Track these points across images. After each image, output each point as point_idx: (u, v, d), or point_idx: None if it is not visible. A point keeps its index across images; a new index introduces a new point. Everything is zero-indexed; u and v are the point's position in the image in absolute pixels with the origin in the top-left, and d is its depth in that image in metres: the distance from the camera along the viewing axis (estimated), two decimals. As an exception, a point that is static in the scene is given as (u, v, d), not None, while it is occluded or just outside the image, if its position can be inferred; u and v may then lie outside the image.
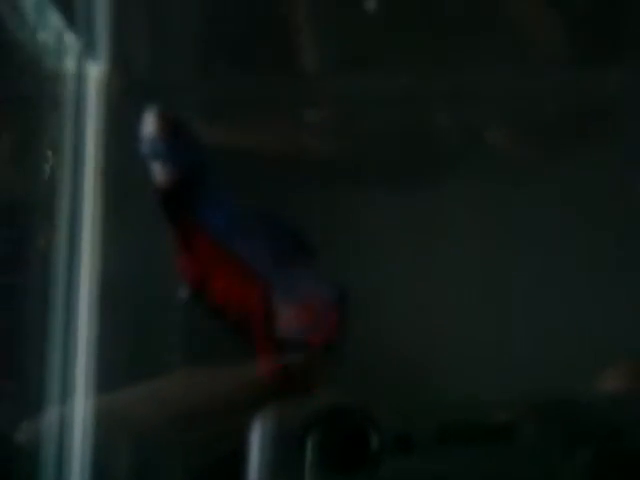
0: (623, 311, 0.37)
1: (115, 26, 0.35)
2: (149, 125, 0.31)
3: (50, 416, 0.34)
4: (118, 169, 0.36)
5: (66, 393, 0.34)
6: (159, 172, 0.31)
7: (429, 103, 0.40)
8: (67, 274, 0.35)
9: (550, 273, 0.38)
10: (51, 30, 0.35)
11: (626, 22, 0.41)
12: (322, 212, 0.38)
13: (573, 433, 0.32)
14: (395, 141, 0.40)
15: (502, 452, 0.31)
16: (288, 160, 0.39)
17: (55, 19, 0.35)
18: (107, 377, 0.35)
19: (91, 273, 0.35)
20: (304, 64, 0.40)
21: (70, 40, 0.36)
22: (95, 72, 0.36)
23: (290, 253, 0.33)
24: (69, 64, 0.36)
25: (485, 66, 0.40)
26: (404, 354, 0.37)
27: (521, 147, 0.41)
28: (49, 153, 0.34)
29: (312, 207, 0.38)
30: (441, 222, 0.39)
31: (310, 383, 0.34)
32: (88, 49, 0.36)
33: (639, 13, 0.40)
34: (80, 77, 0.35)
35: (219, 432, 0.33)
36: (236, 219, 0.33)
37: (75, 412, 0.34)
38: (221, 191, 0.32)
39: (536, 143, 0.41)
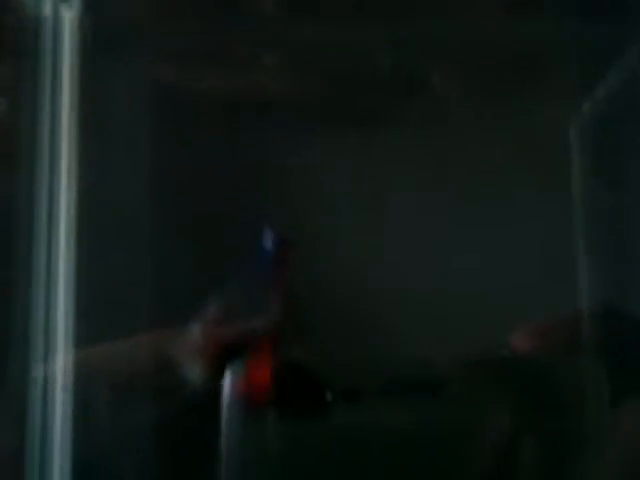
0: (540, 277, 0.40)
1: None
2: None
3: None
4: (92, 100, 0.41)
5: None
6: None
7: (372, 49, 0.44)
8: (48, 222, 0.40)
9: (482, 230, 0.41)
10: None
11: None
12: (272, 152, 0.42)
13: (491, 388, 0.37)
14: (342, 84, 0.44)
15: (432, 404, 0.37)
16: (244, 100, 0.43)
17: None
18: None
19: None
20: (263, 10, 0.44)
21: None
22: (69, 16, 0.41)
23: None
24: (47, 10, 0.41)
25: (424, 15, 0.44)
26: (352, 312, 0.41)
27: (456, 90, 0.45)
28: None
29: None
30: (381, 168, 0.42)
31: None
32: (63, -4, 0.41)
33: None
34: (56, 20, 0.41)
35: (182, 383, 0.39)
36: None
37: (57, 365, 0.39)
38: None
39: (471, 87, 0.45)
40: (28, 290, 0.39)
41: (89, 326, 0.39)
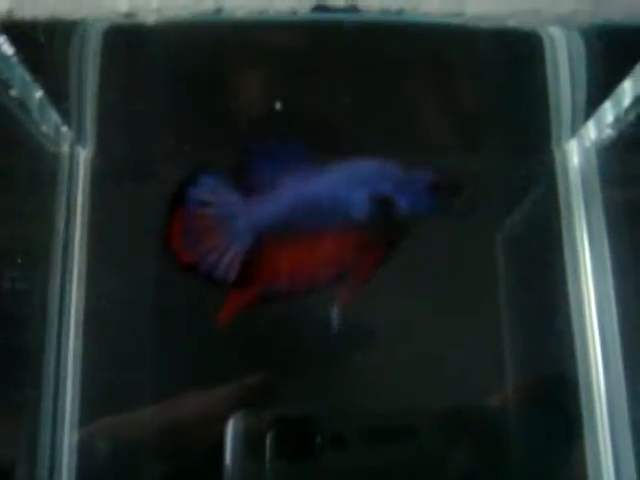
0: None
1: (99, 122, 0.47)
2: None
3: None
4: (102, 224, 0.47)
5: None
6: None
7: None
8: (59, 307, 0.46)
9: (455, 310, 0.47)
10: (51, 124, 0.47)
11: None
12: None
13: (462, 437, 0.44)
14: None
15: (409, 450, 0.43)
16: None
17: (54, 116, 0.47)
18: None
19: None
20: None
21: (65, 132, 0.48)
22: (83, 155, 0.48)
23: None
24: (64, 149, 0.48)
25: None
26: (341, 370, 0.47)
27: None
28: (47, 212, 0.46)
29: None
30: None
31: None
32: (78, 138, 0.48)
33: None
34: (72, 158, 0.48)
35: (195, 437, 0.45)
36: None
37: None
38: None
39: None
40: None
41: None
